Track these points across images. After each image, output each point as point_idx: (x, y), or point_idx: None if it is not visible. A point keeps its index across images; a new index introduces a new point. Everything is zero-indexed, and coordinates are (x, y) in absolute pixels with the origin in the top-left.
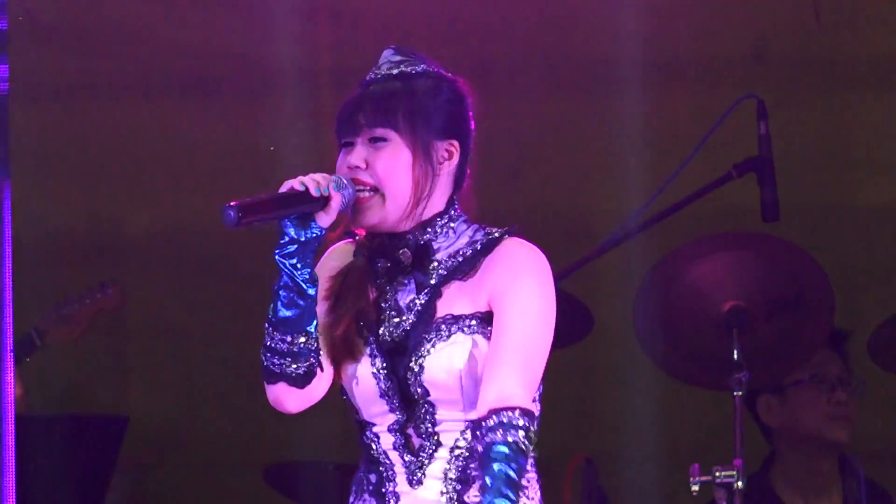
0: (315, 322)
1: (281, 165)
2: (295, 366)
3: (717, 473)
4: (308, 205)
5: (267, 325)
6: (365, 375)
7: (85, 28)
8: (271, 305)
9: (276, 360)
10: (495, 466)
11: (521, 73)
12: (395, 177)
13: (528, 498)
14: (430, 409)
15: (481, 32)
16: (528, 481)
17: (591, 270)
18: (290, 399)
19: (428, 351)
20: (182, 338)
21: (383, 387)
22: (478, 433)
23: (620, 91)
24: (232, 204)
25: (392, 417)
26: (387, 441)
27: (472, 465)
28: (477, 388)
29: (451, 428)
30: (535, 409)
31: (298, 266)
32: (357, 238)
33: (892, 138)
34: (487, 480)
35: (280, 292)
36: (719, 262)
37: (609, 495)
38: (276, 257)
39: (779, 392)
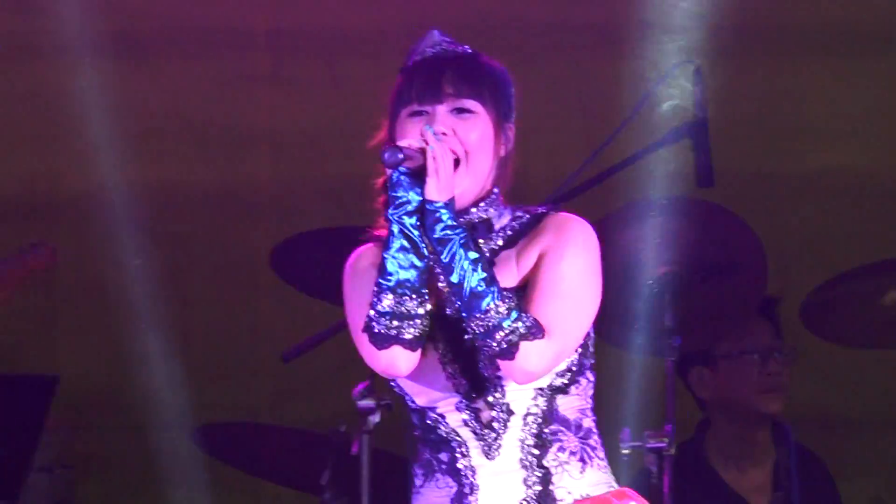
0: (426, 287)
1: (214, 128)
2: (412, 329)
3: (648, 438)
4: (420, 167)
5: (382, 290)
6: (430, 363)
7: None
8: (386, 269)
9: (393, 324)
10: None
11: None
12: (482, 150)
13: (598, 458)
14: (499, 381)
15: None
16: (596, 443)
17: None
18: (403, 362)
19: None
20: (113, 298)
21: (450, 370)
22: None
23: (556, 55)
24: (396, 146)
25: (457, 397)
26: (454, 419)
27: (547, 430)
28: None
29: (519, 397)
30: (591, 374)
31: (416, 225)
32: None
33: (826, 105)
34: None
35: (397, 254)
36: (653, 227)
37: None
38: (395, 217)
39: (711, 364)
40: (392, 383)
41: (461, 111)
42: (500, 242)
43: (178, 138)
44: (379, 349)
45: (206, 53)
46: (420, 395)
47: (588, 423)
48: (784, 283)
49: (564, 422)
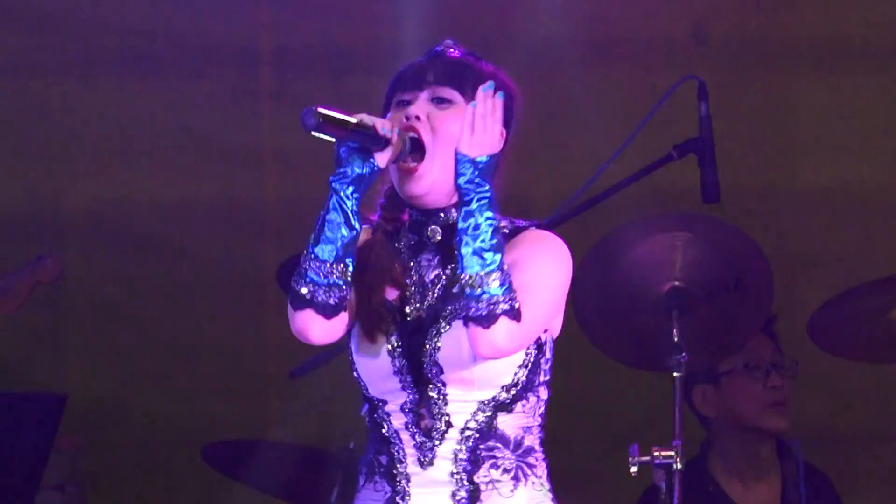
0: (352, 257)
1: (218, 146)
2: (326, 295)
3: (657, 454)
4: (371, 141)
5: (307, 252)
6: (380, 352)
7: (22, 5)
8: (314, 233)
9: (309, 287)
10: None
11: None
12: (453, 141)
13: (535, 476)
14: (442, 389)
15: (423, 12)
16: (536, 460)
17: None
18: (314, 327)
19: (444, 328)
20: (120, 315)
21: (397, 364)
22: None
23: (562, 71)
24: (316, 109)
25: (403, 396)
26: (398, 420)
27: (482, 446)
28: (489, 367)
29: (461, 409)
30: (543, 393)
31: (351, 195)
32: (374, 224)
33: (831, 120)
34: None
35: (327, 218)
36: (659, 243)
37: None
38: (332, 183)
39: (714, 381)
40: (352, 368)
41: (441, 101)
42: None
43: (184, 154)
44: (294, 310)
45: (210, 70)
46: (371, 384)
47: (530, 440)
48: (786, 299)
49: (503, 438)
